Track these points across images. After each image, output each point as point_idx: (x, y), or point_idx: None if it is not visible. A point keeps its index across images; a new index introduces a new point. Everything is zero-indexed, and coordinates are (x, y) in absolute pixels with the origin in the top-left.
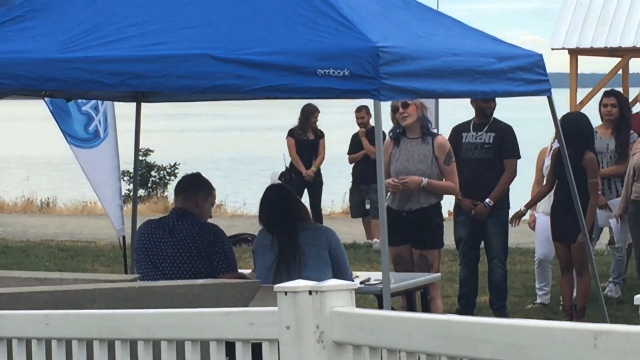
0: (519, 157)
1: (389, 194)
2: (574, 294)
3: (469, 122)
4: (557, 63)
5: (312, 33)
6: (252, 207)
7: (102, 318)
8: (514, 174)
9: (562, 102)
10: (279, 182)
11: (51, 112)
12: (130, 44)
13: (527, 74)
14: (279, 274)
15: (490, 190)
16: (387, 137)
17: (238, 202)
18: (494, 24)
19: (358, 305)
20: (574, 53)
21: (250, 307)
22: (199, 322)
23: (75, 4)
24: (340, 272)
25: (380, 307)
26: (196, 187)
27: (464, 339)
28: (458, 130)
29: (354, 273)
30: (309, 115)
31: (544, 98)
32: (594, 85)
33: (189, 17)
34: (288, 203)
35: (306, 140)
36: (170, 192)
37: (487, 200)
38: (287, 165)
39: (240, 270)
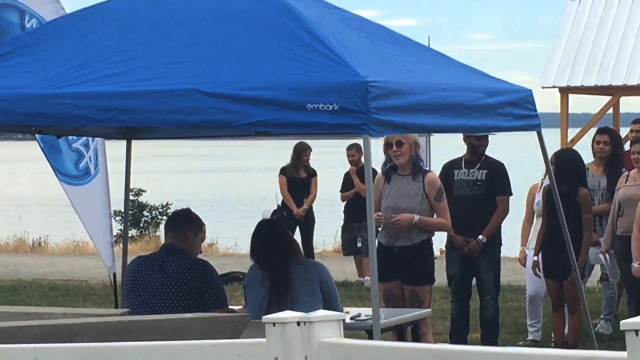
0: (511, 194)
1: (379, 228)
2: (566, 331)
3: (460, 159)
4: (548, 103)
5: (301, 68)
6: (244, 246)
7: (91, 351)
8: (506, 211)
9: (553, 141)
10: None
11: (42, 149)
12: (120, 79)
13: (517, 109)
14: (271, 310)
15: (483, 227)
16: (380, 172)
17: (230, 241)
18: (485, 64)
19: None
20: (565, 91)
21: None
22: (187, 354)
23: (65, 40)
24: (332, 307)
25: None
26: (186, 223)
27: None
28: (450, 167)
29: (345, 309)
30: (301, 152)
31: (534, 135)
32: (585, 124)
33: (178, 53)
34: (279, 238)
35: (298, 179)
36: (162, 231)
37: (480, 237)
38: (279, 203)
39: (230, 307)
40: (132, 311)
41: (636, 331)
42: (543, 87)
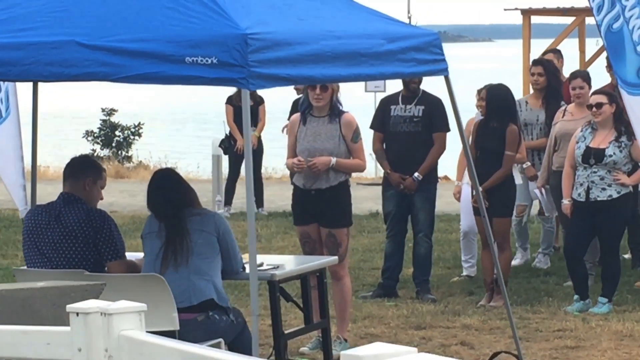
0: (449, 130)
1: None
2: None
3: (397, 94)
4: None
5: (182, 19)
6: (206, 170)
7: None
8: (443, 148)
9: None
10: (219, 148)
11: None
12: (0, 29)
13: (421, 54)
14: (166, 261)
15: (419, 164)
16: (297, 113)
17: (192, 164)
18: None
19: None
20: (527, 13)
21: (130, 297)
22: (0, 339)
23: None
24: (230, 259)
25: (272, 294)
26: (83, 171)
27: None
28: (386, 103)
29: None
30: None
31: (472, 69)
32: (550, 36)
33: (59, 2)
34: (175, 188)
35: None
36: (134, 151)
37: (416, 174)
38: (227, 132)
39: (132, 254)
40: (29, 262)
41: None
42: (505, 10)
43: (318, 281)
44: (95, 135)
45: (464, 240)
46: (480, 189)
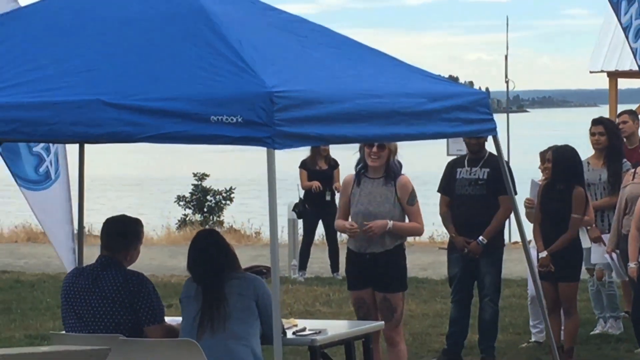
0: (515, 193)
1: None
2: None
3: (464, 157)
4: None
5: (208, 77)
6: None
7: None
8: (509, 211)
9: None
10: (294, 212)
11: (0, 154)
12: (26, 89)
13: (467, 114)
14: (203, 326)
15: (484, 227)
16: (352, 173)
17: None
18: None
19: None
20: (613, 76)
21: None
22: None
23: None
24: (269, 323)
25: (313, 359)
26: (128, 241)
27: None
28: (453, 166)
29: (294, 321)
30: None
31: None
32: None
33: (87, 61)
34: (215, 250)
35: (319, 171)
36: (226, 216)
37: (481, 238)
38: (301, 196)
39: (171, 319)
40: (67, 326)
41: None
42: (591, 72)
43: (363, 347)
44: (187, 200)
45: (531, 305)
46: (545, 252)
